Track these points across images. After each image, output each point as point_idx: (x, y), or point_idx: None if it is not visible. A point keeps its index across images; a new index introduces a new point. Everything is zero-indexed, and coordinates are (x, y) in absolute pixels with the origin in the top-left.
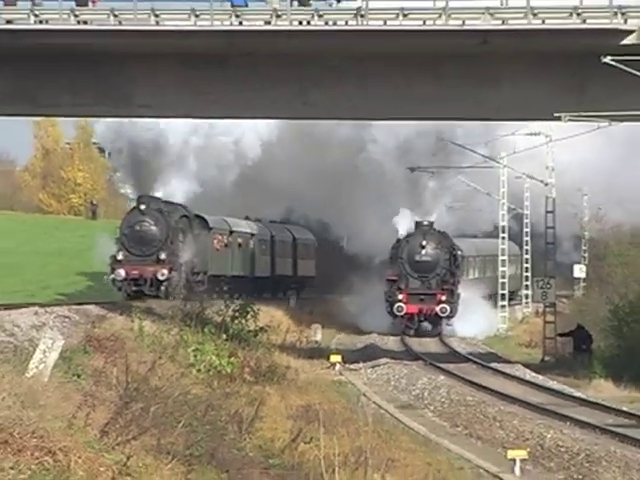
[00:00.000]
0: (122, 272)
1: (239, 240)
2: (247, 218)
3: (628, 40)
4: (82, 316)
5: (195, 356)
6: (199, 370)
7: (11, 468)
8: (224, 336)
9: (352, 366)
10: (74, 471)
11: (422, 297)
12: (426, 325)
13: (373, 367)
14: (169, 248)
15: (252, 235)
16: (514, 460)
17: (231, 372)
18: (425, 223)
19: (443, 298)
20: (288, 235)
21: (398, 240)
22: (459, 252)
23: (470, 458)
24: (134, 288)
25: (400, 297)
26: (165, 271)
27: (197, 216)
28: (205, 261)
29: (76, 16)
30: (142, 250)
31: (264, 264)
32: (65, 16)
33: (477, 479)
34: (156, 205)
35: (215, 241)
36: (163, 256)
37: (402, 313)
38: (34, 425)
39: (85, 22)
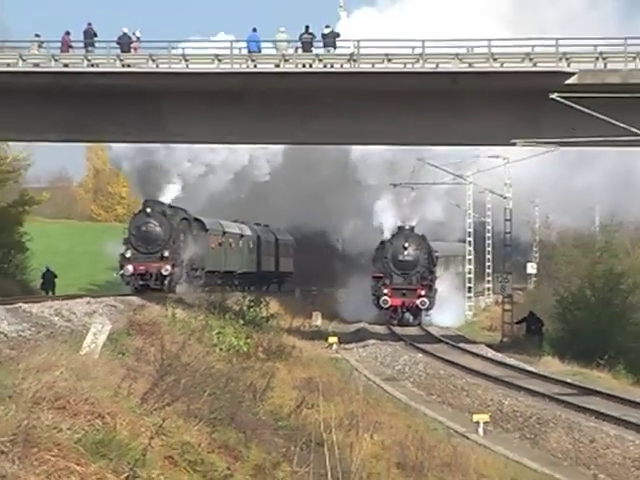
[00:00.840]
0: (130, 268)
1: (230, 240)
2: (235, 221)
3: (571, 80)
4: (126, 305)
5: (218, 338)
6: (221, 349)
7: (68, 429)
8: (241, 321)
9: (346, 346)
10: (119, 431)
11: (404, 292)
12: (408, 316)
13: (363, 347)
14: (172, 247)
15: (241, 236)
16: (478, 422)
17: (247, 351)
18: (407, 227)
19: (422, 292)
20: (271, 236)
21: (382, 242)
22: (435, 253)
23: (442, 421)
24: (141, 282)
25: (385, 292)
26: (168, 267)
27: (195, 219)
28: (202, 258)
29: (121, 60)
30: (148, 248)
31: (251, 261)
32: (112, 60)
33: (448, 438)
34: (160, 208)
35: (211, 241)
36: (166, 254)
37: (387, 306)
38: (87, 394)
39: (128, 65)
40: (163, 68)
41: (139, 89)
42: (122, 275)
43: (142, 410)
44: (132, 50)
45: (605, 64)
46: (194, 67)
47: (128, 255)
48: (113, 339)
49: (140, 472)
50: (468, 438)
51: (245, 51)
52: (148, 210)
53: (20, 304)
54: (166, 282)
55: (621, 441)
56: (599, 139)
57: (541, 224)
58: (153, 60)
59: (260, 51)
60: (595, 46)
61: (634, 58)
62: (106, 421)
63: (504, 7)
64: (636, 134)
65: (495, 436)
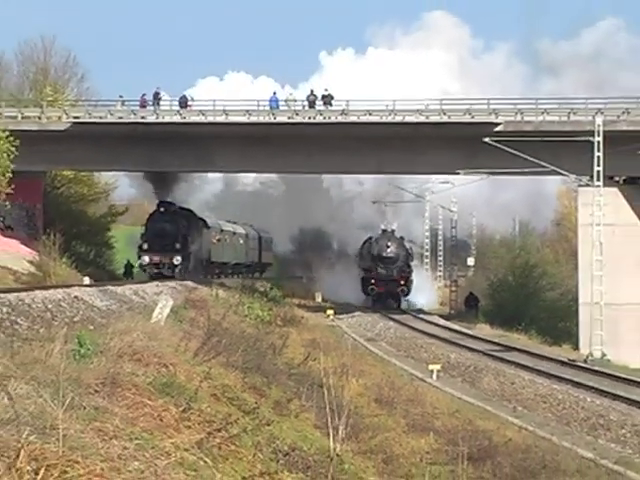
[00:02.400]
0: (147, 258)
1: (226, 236)
2: (228, 221)
3: (498, 128)
4: (183, 287)
5: (248, 310)
6: (250, 319)
7: (142, 374)
8: (265, 299)
9: (339, 316)
10: (178, 376)
11: (387, 282)
12: (390, 301)
13: (351, 317)
14: (181, 241)
15: (234, 233)
16: (433, 370)
17: (269, 320)
18: (389, 230)
19: (402, 282)
20: (256, 234)
21: (365, 241)
22: (410, 251)
23: (407, 369)
24: (155, 271)
25: (372, 281)
26: (179, 258)
27: (200, 218)
28: (205, 251)
29: (180, 114)
30: (161, 242)
31: (242, 254)
32: (174, 114)
33: (411, 382)
34: (172, 208)
35: (211, 237)
36: (177, 246)
37: (374, 293)
38: (155, 350)
39: (184, 117)
40: (210, 120)
41: (193, 134)
42: (140, 264)
43: (195, 361)
44: (188, 107)
45: (522, 117)
46: (232, 119)
47: (145, 247)
48: (174, 311)
49: (193, 405)
50: (425, 381)
51: (268, 107)
52: (162, 209)
53: (108, 287)
54: (177, 270)
55: (533, 383)
56: (518, 170)
57: (477, 229)
58: (203, 114)
59: (278, 107)
60: (515, 104)
61: (542, 113)
62: (169, 369)
63: (454, 64)
64: (544, 167)
65: (444, 380)
